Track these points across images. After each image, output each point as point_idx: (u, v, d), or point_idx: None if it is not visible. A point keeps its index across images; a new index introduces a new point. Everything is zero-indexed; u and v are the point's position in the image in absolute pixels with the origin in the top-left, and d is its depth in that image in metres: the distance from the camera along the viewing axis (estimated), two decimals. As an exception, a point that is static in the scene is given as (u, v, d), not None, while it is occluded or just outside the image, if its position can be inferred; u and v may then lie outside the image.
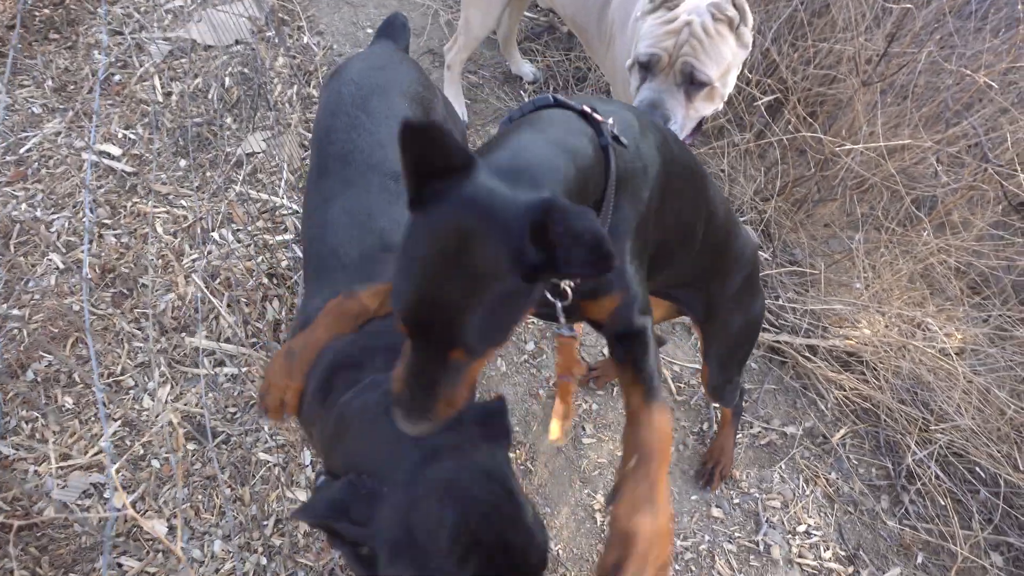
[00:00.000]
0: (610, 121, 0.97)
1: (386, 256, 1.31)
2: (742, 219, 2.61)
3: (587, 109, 0.97)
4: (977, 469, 2.03)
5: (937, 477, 1.99)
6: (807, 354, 2.26)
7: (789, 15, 2.75)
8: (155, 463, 1.83)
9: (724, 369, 1.63)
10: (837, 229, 2.67)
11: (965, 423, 2.04)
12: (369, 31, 3.23)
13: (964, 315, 2.38)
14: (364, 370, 1.09)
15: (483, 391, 2.07)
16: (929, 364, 2.20)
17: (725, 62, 1.76)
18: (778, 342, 2.27)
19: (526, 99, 2.95)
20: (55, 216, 2.39)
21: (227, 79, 2.85)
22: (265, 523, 1.72)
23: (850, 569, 1.80)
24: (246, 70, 2.89)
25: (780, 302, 2.39)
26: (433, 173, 0.75)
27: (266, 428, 1.91)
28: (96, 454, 1.83)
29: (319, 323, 1.16)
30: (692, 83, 1.74)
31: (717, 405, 2.07)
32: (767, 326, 2.33)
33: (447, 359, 0.80)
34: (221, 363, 2.07)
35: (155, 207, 2.40)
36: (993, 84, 2.15)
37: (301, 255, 2.13)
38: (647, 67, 1.77)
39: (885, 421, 2.12)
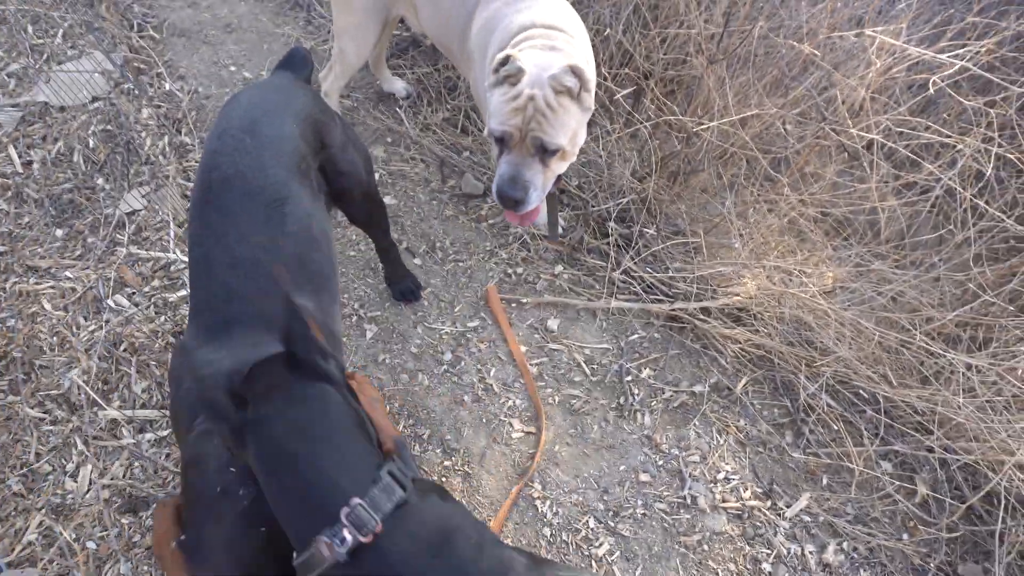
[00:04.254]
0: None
1: (253, 294, 1.34)
2: (623, 200, 2.78)
3: None
4: (861, 391, 2.29)
5: (829, 406, 2.22)
6: (702, 317, 2.46)
7: (635, 6, 2.95)
8: (91, 544, 1.79)
9: None
10: (711, 195, 2.90)
11: (844, 353, 2.29)
12: (232, 68, 3.19)
13: (829, 257, 2.65)
14: None
15: (409, 407, 2.13)
16: (807, 307, 2.45)
17: (571, 128, 1.90)
18: (674, 311, 2.46)
19: (402, 116, 3.01)
20: (-74, 310, 2.26)
21: (90, 139, 2.75)
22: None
23: (768, 503, 2.00)
24: (110, 127, 2.80)
25: (670, 273, 2.57)
26: None
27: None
28: (24, 549, 1.76)
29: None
30: (545, 152, 1.89)
31: (631, 379, 2.23)
32: (662, 297, 2.51)
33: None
34: (142, 430, 2.03)
35: (38, 284, 2.30)
36: (816, 52, 2.40)
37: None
38: (502, 141, 1.92)
39: (778, 364, 2.34)
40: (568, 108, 1.87)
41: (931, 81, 2.15)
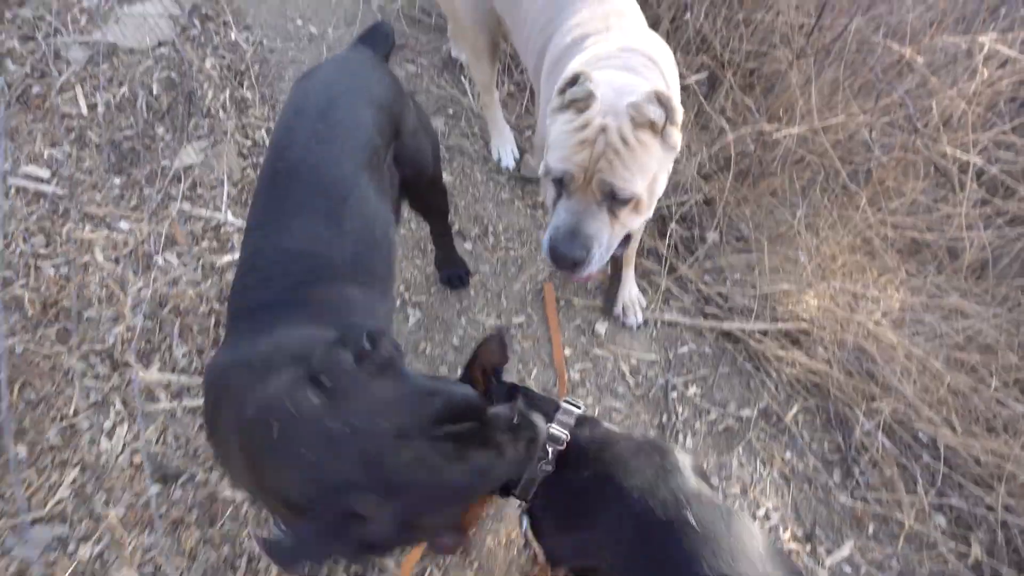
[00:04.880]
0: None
1: (309, 292, 1.29)
2: (685, 197, 2.63)
3: None
4: (920, 434, 2.16)
5: (884, 447, 2.10)
6: (758, 336, 2.34)
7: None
8: (120, 510, 1.81)
9: None
10: (780, 201, 2.73)
11: (907, 392, 2.16)
12: (299, 22, 3.12)
13: (901, 282, 2.48)
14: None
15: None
16: (872, 335, 2.31)
17: (650, 172, 1.52)
18: (730, 329, 2.34)
19: (467, 86, 2.90)
20: (-15, 248, 2.30)
21: (154, 86, 2.73)
22: (238, 562, 1.74)
23: (808, 547, 1.91)
24: (173, 74, 2.77)
25: (728, 285, 2.45)
26: None
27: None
28: (56, 504, 1.80)
29: None
30: (615, 199, 1.51)
31: (676, 395, 2.14)
32: (717, 311, 2.39)
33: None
34: (178, 395, 2.04)
35: (92, 232, 2.31)
36: (918, 57, 2.19)
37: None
38: (561, 183, 1.54)
39: (834, 395, 2.22)
40: (649, 146, 1.49)
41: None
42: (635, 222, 1.60)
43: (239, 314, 1.32)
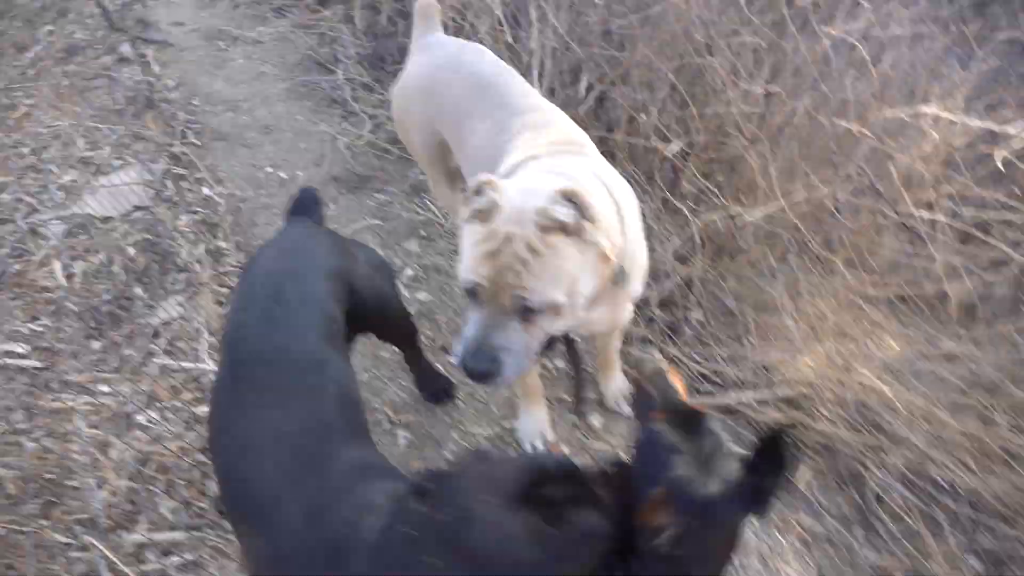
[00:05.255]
0: None
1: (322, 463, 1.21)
2: (666, 283, 2.65)
3: None
4: (938, 480, 2.07)
5: (903, 497, 2.02)
6: (756, 407, 2.29)
7: (671, 84, 2.88)
8: None
9: None
10: (760, 273, 2.74)
11: (916, 440, 2.09)
12: (268, 170, 3.24)
13: (892, 335, 2.46)
14: None
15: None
16: (872, 388, 2.25)
17: (567, 275, 1.42)
18: (728, 403, 2.29)
19: (436, 208, 2.98)
20: (-35, 431, 2.26)
21: (130, 249, 2.79)
22: None
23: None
24: (149, 235, 2.84)
25: (720, 362, 2.42)
26: None
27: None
28: None
29: None
30: (528, 309, 1.42)
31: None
32: (712, 389, 2.35)
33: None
34: (167, 553, 1.94)
35: (72, 401, 2.29)
36: (865, 131, 2.27)
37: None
38: (474, 295, 1.46)
39: (842, 452, 2.15)
40: (561, 250, 1.39)
41: (999, 155, 2.00)
42: (558, 324, 1.50)
43: (247, 517, 1.24)
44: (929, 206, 2.26)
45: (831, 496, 2.09)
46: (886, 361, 2.35)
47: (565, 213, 1.38)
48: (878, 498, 2.03)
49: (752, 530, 1.97)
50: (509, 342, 1.44)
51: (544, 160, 1.71)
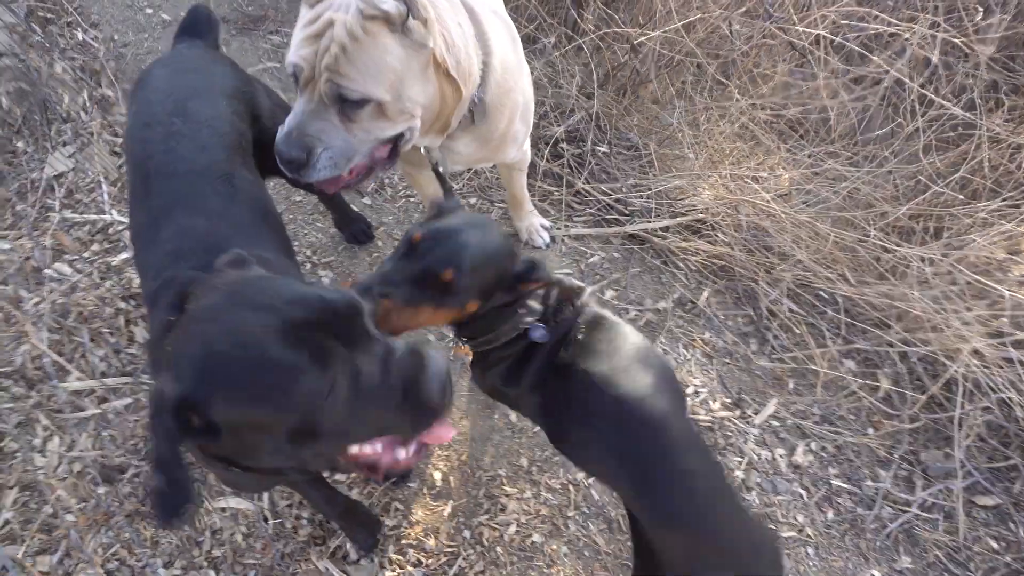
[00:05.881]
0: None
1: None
2: (571, 119, 2.71)
3: None
4: (821, 293, 2.32)
5: (791, 311, 2.26)
6: (660, 233, 2.45)
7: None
8: (69, 517, 1.76)
9: None
10: (662, 106, 2.84)
11: (801, 256, 2.32)
12: (148, 11, 2.98)
13: (783, 160, 2.64)
14: None
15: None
16: (764, 212, 2.45)
17: (389, 71, 1.34)
18: (634, 231, 2.44)
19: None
20: None
21: (3, 99, 2.57)
22: (201, 539, 1.73)
23: (737, 412, 2.05)
24: (23, 84, 2.61)
25: (624, 191, 2.55)
26: None
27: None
28: (3, 527, 1.74)
29: None
30: (345, 101, 1.35)
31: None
32: (619, 216, 2.49)
33: (432, 275, 1.14)
34: (104, 399, 1.98)
35: (-29, 259, 2.19)
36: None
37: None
38: (295, 79, 1.38)
39: (739, 273, 2.36)
40: (382, 42, 1.32)
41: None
42: (386, 128, 1.41)
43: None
44: (815, 27, 2.36)
45: (730, 313, 2.30)
46: (776, 185, 2.54)
47: (390, 4, 1.31)
48: (770, 312, 2.26)
49: (662, 347, 2.18)
50: (325, 134, 1.37)
51: None
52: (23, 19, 2.78)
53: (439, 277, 1.12)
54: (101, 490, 1.80)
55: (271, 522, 1.76)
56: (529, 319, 1.27)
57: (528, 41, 2.86)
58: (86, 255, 2.21)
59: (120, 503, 1.77)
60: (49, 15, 2.90)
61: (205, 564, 1.69)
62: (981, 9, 2.22)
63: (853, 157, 2.57)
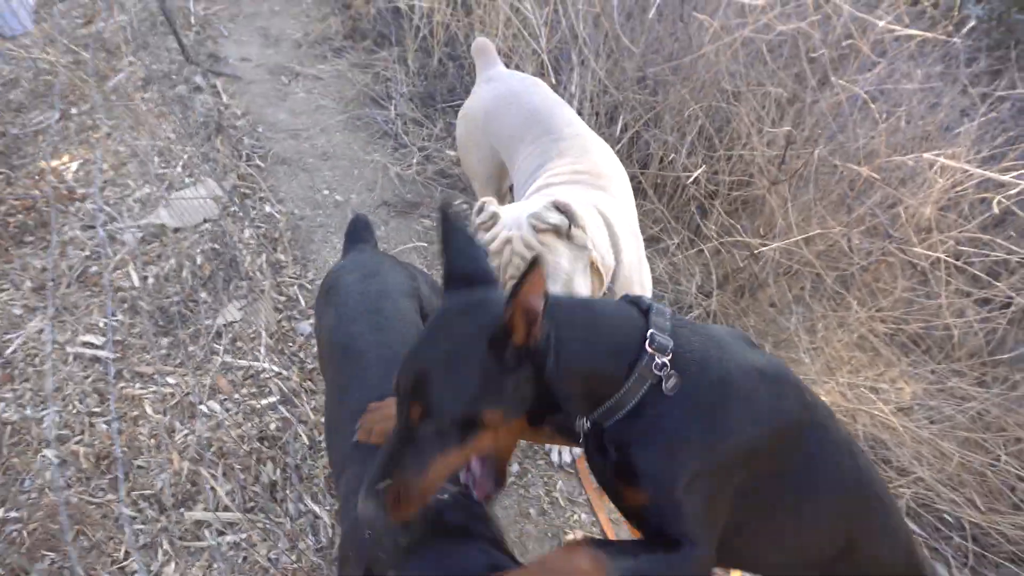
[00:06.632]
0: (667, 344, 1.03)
1: None
2: (690, 315, 2.83)
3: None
4: (945, 516, 2.17)
5: (913, 533, 2.12)
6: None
7: (700, 128, 3.11)
8: (171, 643, 1.87)
9: None
10: (779, 311, 2.91)
11: (923, 474, 2.21)
12: (325, 192, 3.51)
13: (904, 373, 2.59)
14: None
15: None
16: (883, 424, 2.38)
17: (563, 272, 1.60)
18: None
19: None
20: (44, 412, 2.49)
21: (199, 256, 3.05)
22: None
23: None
24: (216, 245, 3.11)
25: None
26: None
27: (274, 590, 1.98)
28: (113, 645, 1.86)
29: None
30: None
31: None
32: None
33: (412, 420, 0.92)
34: (222, 532, 2.14)
35: (143, 389, 2.52)
36: (875, 175, 2.46)
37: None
38: None
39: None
40: (555, 247, 1.59)
41: (996, 200, 2.17)
42: None
43: None
44: (934, 249, 2.41)
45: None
46: (895, 398, 2.48)
47: (556, 217, 1.59)
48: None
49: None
50: None
51: (554, 188, 1.92)
52: (228, 193, 3.36)
53: (411, 419, 0.94)
54: (206, 621, 1.90)
55: None
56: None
57: (653, 240, 3.09)
58: (236, 396, 2.49)
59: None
60: (247, 191, 3.48)
61: None
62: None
63: (982, 377, 2.49)
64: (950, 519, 2.14)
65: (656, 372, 1.01)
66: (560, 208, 1.59)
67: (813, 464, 1.14)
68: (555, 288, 1.57)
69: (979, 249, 2.44)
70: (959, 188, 2.46)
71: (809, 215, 2.81)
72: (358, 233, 2.03)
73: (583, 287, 1.65)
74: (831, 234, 2.64)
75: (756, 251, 2.68)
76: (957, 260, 2.42)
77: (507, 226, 1.62)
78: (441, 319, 0.99)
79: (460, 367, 0.92)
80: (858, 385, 2.48)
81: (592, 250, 1.65)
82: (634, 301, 1.11)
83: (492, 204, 1.68)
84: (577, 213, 1.60)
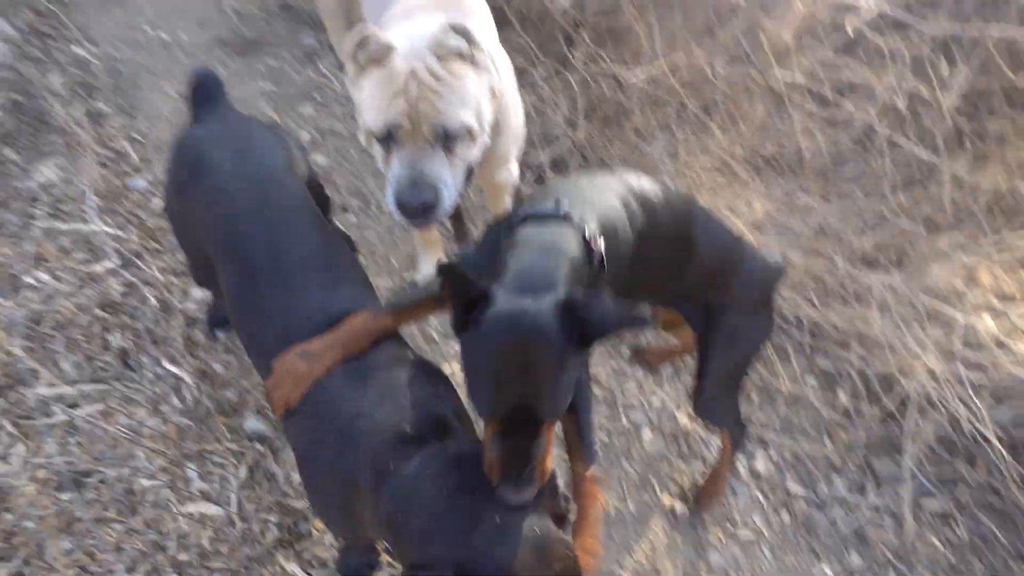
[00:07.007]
0: (591, 226, 1.13)
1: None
2: (557, 145, 2.78)
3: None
4: (788, 315, 2.38)
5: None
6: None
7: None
8: (29, 524, 1.75)
9: (714, 384, 1.59)
10: (644, 138, 2.92)
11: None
12: (147, 30, 3.06)
13: (759, 193, 2.72)
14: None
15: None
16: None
17: (473, 99, 1.50)
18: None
19: (330, 73, 2.95)
20: None
21: (-3, 110, 2.61)
22: (167, 543, 1.72)
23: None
24: (16, 95, 2.66)
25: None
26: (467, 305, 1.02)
27: (142, 456, 1.87)
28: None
29: (340, 337, 1.24)
30: (448, 137, 1.48)
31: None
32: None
33: (538, 435, 1.04)
34: (74, 405, 1.98)
35: (-49, 263, 2.20)
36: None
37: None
38: (390, 137, 1.50)
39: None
40: (463, 75, 1.49)
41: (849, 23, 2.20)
42: (473, 152, 1.57)
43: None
44: (793, 73, 2.46)
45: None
46: (752, 217, 2.61)
47: (458, 40, 1.47)
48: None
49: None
50: (442, 173, 1.49)
51: (418, 17, 1.71)
52: (24, 34, 2.85)
53: (534, 428, 1.05)
54: (64, 496, 1.78)
55: (238, 526, 1.75)
56: None
57: (519, 72, 2.95)
58: (67, 263, 2.23)
59: (86, 507, 1.76)
60: (48, 31, 2.96)
61: (170, 569, 1.68)
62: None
63: (826, 194, 2.65)
64: (791, 317, 2.34)
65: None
66: (458, 31, 1.47)
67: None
68: (469, 117, 1.49)
69: (833, 69, 2.50)
70: (818, 14, 2.48)
71: (674, 43, 2.76)
72: (206, 91, 1.68)
73: (489, 112, 1.57)
74: (695, 63, 2.62)
75: (622, 80, 2.63)
76: (811, 80, 2.48)
77: (404, 56, 1.46)
78: (510, 342, 1.01)
79: (559, 389, 1.03)
80: (717, 206, 2.57)
81: (493, 73, 1.56)
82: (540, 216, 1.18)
83: (378, 34, 1.49)
84: (473, 33, 1.49)
